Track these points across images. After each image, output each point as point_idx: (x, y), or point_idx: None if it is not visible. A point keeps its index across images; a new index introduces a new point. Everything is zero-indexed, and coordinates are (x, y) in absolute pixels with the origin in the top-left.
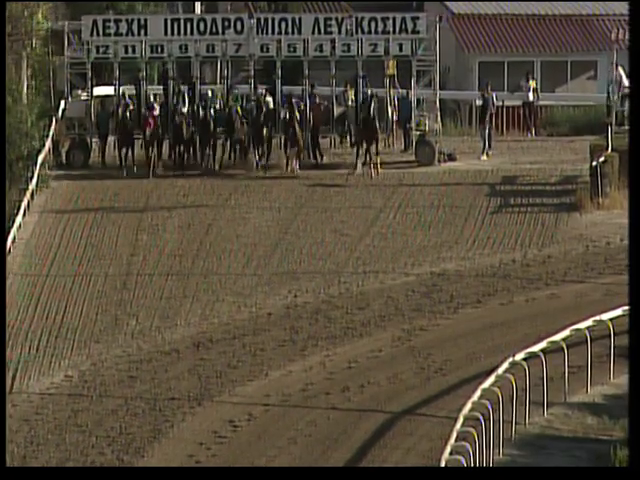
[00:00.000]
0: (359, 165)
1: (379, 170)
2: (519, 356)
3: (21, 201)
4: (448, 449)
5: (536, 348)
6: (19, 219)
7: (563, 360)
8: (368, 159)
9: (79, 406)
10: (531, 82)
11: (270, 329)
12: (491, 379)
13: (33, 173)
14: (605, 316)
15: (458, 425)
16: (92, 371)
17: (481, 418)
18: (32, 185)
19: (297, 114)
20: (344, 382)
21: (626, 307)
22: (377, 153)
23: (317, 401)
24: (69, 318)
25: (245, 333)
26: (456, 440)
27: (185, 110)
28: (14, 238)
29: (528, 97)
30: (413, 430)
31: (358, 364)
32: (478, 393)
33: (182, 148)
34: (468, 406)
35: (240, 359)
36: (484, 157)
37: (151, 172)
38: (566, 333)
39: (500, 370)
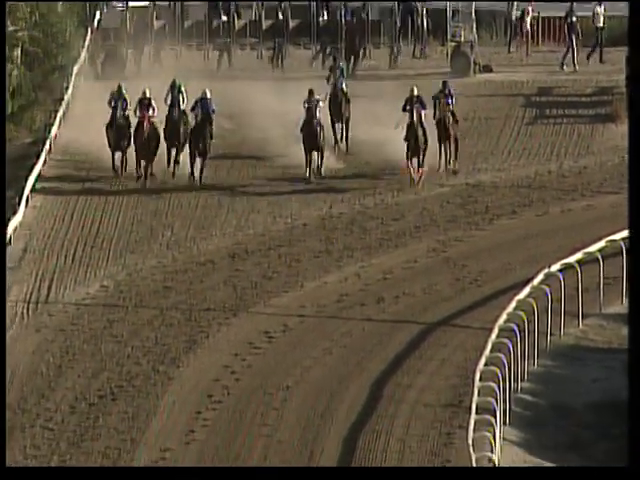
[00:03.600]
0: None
1: None
2: (554, 267)
3: (57, 111)
4: (483, 360)
5: (571, 259)
6: (54, 129)
7: (598, 271)
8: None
9: (114, 316)
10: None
11: (305, 240)
12: (526, 290)
13: (69, 84)
14: None
15: (493, 336)
16: (127, 281)
17: (516, 329)
18: (67, 95)
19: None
20: (379, 293)
21: None
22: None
23: (352, 312)
24: (105, 228)
25: (280, 244)
26: (491, 351)
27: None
28: (50, 147)
29: (598, 21)
30: (448, 341)
31: (393, 275)
32: (513, 304)
33: None
34: (503, 317)
35: (275, 270)
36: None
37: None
38: (601, 244)
39: (535, 281)
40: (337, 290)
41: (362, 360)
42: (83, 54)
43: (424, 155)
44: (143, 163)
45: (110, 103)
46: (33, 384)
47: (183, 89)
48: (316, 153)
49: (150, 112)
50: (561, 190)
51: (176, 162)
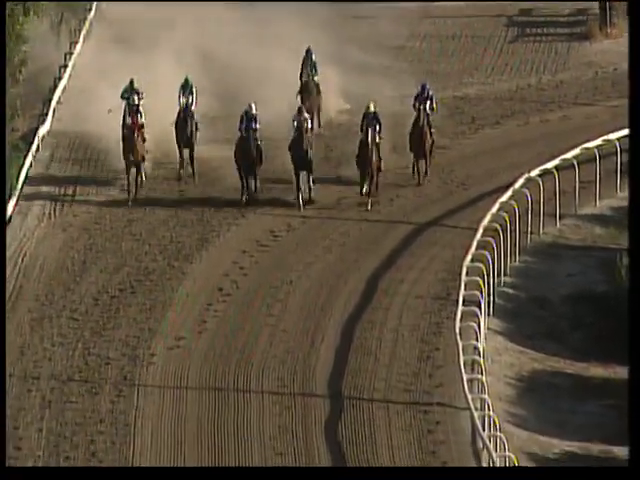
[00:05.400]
0: None
1: None
2: (534, 172)
3: None
4: (469, 257)
5: (550, 165)
6: None
7: (574, 176)
8: None
9: (133, 216)
10: None
11: None
12: (508, 193)
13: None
14: (613, 136)
15: (478, 235)
16: (145, 185)
17: (499, 229)
18: None
19: None
20: (373, 196)
21: None
22: None
23: (350, 213)
24: None
25: (285, 152)
26: (476, 249)
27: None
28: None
29: None
30: (437, 240)
31: (387, 179)
32: (496, 206)
33: None
34: (487, 218)
35: (279, 177)
36: None
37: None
38: (577, 151)
39: (517, 185)
40: (336, 193)
41: (359, 257)
42: None
43: (376, 180)
44: (133, 171)
45: (122, 97)
46: (60, 278)
47: (194, 89)
48: (306, 173)
49: (139, 119)
50: (540, 102)
51: (191, 163)
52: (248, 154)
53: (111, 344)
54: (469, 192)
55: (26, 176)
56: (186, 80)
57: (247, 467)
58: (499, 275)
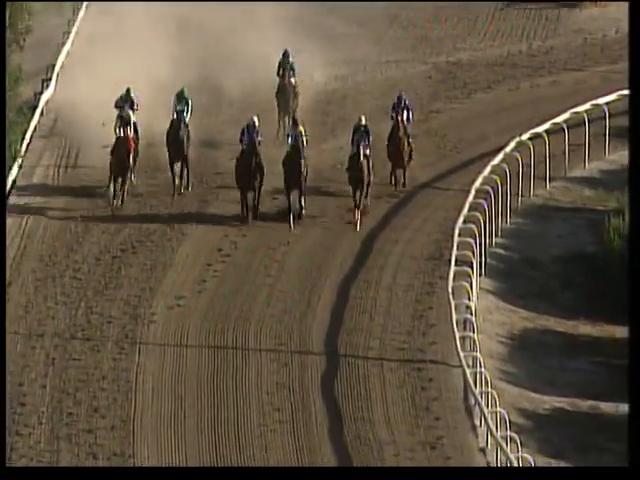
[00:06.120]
0: None
1: None
2: (525, 136)
3: None
4: (461, 218)
5: (540, 129)
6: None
7: (564, 139)
8: None
9: (135, 181)
10: None
11: (303, 113)
12: (500, 156)
13: None
14: (601, 100)
15: (470, 197)
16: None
17: (491, 191)
18: None
19: None
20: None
21: (620, 91)
22: None
23: (346, 176)
24: None
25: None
26: (469, 210)
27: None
28: None
29: None
30: (430, 202)
31: (382, 142)
32: (488, 169)
33: None
34: (479, 180)
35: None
36: None
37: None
38: (567, 115)
39: (508, 148)
40: (332, 157)
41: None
42: None
43: (367, 194)
44: (119, 180)
45: (117, 105)
46: (63, 239)
47: (190, 100)
48: (298, 191)
49: (131, 132)
50: (530, 68)
51: (181, 177)
52: (249, 169)
53: (113, 303)
54: (461, 155)
55: (30, 140)
56: (182, 90)
57: (247, 467)
58: (491, 236)
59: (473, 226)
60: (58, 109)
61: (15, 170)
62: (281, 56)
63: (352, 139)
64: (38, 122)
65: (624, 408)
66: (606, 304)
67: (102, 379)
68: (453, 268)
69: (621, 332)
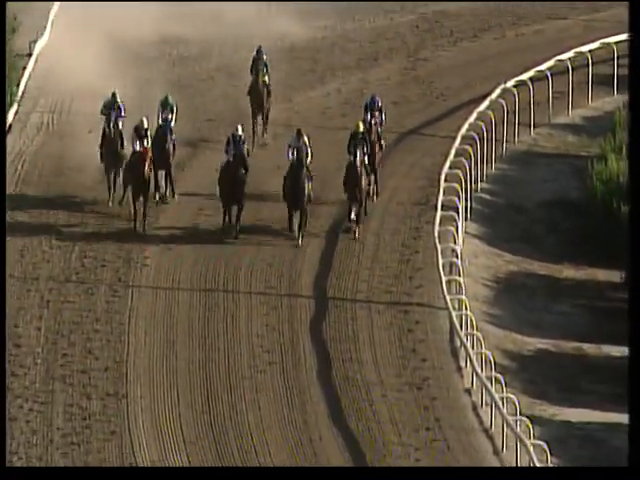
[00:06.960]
0: None
1: None
2: (510, 83)
3: None
4: (447, 164)
5: (524, 76)
6: None
7: (548, 87)
8: None
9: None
10: None
11: (292, 60)
12: (485, 103)
13: None
14: (584, 48)
15: (456, 143)
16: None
17: (476, 137)
18: None
19: None
20: (358, 105)
21: (603, 40)
22: None
23: (335, 122)
24: None
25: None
26: (455, 156)
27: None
28: None
29: None
30: (417, 147)
31: (369, 90)
32: (474, 115)
33: None
34: (465, 127)
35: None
36: None
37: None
38: (550, 63)
39: (493, 95)
40: (321, 103)
41: (341, 159)
42: None
43: (365, 206)
44: (140, 200)
45: (102, 112)
46: (57, 184)
47: (175, 108)
48: (300, 212)
49: (148, 143)
50: (515, 16)
51: (166, 186)
52: (234, 182)
53: (107, 247)
54: (448, 102)
55: (25, 88)
56: (166, 98)
57: (247, 467)
58: (476, 182)
59: (459, 172)
60: (53, 57)
61: (11, 114)
62: (255, 53)
63: (349, 146)
64: (32, 70)
65: (607, 350)
66: (589, 248)
67: (96, 321)
68: (439, 213)
69: (604, 275)
